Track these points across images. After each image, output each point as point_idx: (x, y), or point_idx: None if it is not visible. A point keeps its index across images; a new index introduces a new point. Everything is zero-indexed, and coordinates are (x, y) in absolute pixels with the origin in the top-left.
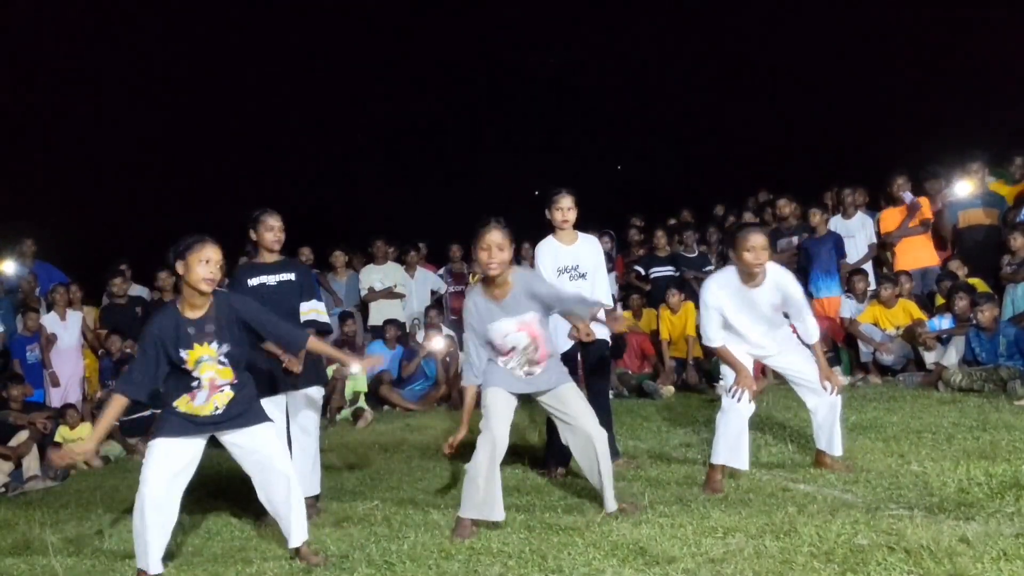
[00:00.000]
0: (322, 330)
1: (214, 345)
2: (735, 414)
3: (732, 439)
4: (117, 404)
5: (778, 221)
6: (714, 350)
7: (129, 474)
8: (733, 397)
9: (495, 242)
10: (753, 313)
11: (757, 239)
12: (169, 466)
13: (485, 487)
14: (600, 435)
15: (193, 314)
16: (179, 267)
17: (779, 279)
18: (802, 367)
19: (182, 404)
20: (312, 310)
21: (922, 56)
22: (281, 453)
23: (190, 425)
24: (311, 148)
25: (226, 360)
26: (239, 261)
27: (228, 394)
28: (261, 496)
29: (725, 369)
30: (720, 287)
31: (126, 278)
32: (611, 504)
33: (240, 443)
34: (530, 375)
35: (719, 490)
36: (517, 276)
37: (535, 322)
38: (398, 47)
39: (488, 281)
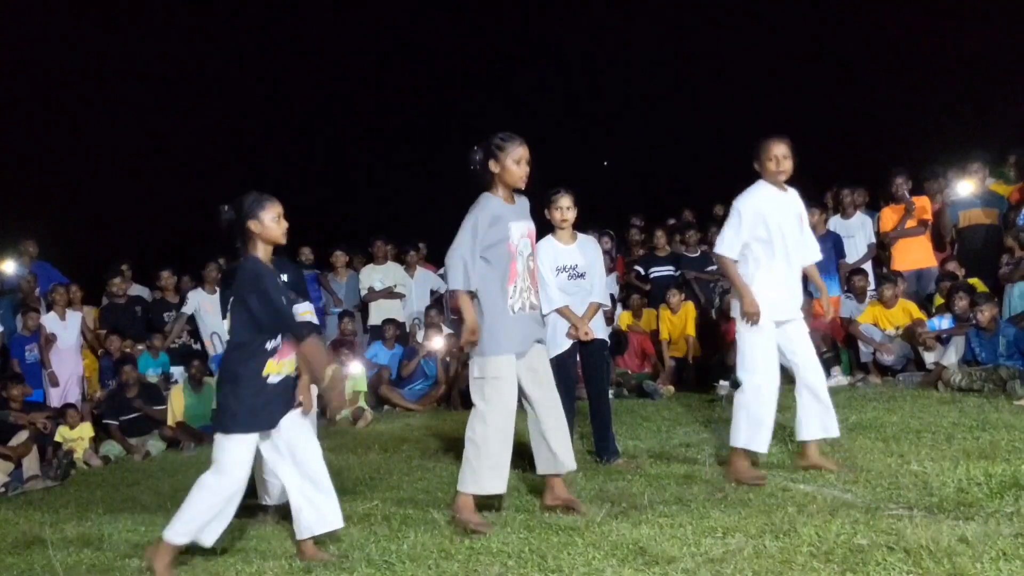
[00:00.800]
0: (315, 332)
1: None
2: (755, 395)
3: (754, 421)
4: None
5: None
6: (724, 261)
7: (129, 474)
8: (747, 323)
9: (527, 156)
10: (789, 224)
11: (780, 147)
12: (250, 460)
13: (500, 453)
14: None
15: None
16: (253, 225)
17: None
18: (801, 342)
19: (271, 367)
20: (306, 312)
21: (922, 56)
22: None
23: (268, 411)
24: (311, 148)
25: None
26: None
27: (292, 361)
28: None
29: (745, 357)
30: (762, 193)
31: (125, 278)
32: (570, 461)
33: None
34: (533, 309)
35: (748, 477)
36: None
37: (533, 230)
38: (398, 46)
39: (506, 191)
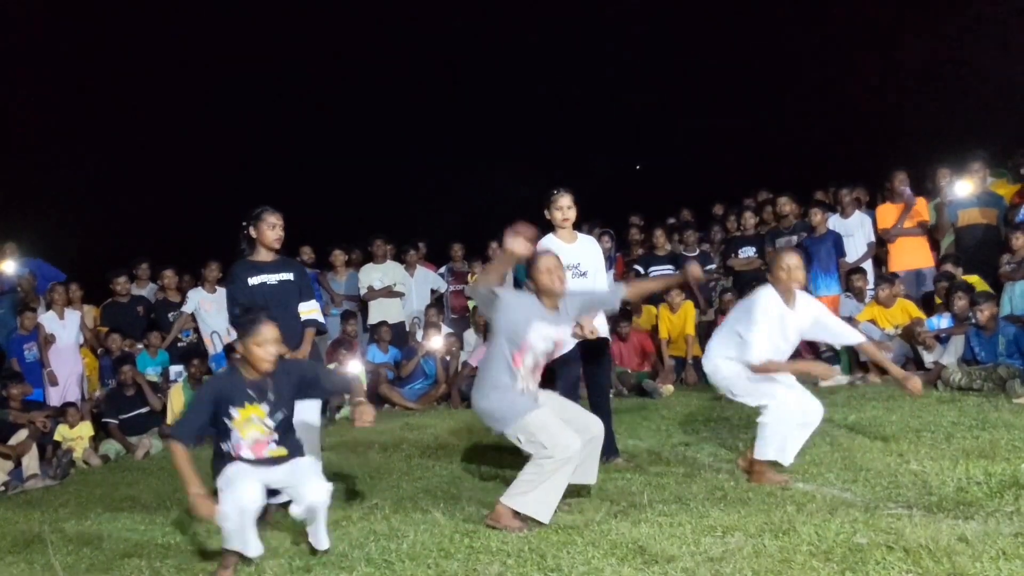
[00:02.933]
0: (320, 330)
1: (264, 407)
2: (783, 414)
3: (780, 440)
4: (180, 453)
5: (778, 220)
6: (760, 367)
7: (128, 473)
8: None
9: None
10: (784, 337)
11: (792, 259)
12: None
13: (555, 491)
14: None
15: (251, 376)
16: (239, 347)
17: (809, 302)
18: None
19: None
20: (312, 310)
21: (921, 56)
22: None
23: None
24: (310, 147)
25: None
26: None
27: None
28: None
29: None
30: (775, 300)
31: (141, 278)
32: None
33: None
34: (533, 397)
35: (776, 481)
36: (575, 296)
37: (568, 341)
38: (398, 44)
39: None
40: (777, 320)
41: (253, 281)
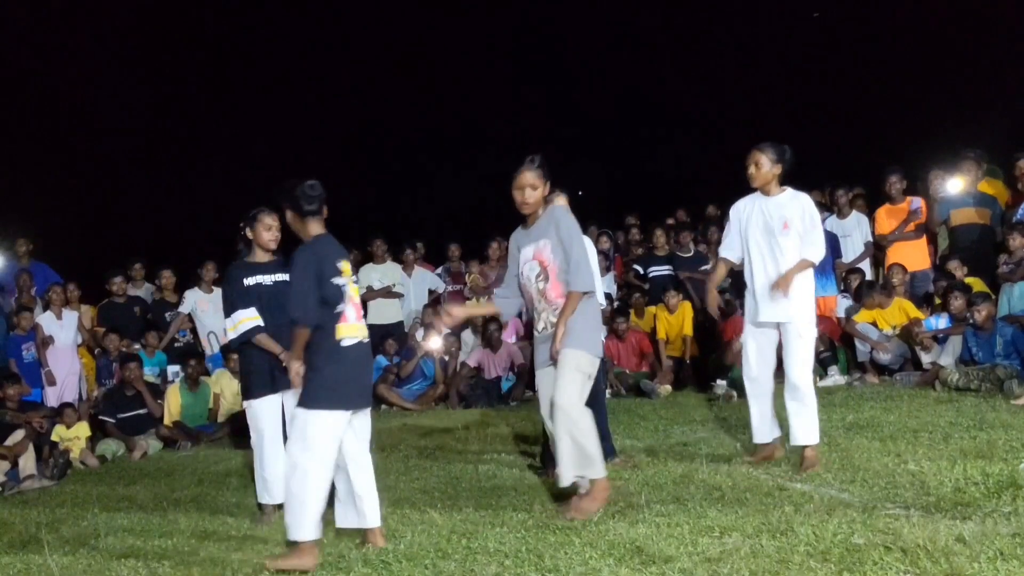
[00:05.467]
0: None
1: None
2: (751, 389)
3: (757, 416)
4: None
5: None
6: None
7: (125, 474)
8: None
9: (527, 182)
10: (764, 227)
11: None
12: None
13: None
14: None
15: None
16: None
17: (796, 194)
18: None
19: (342, 330)
20: None
21: (921, 56)
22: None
23: (358, 382)
24: (309, 147)
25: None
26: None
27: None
28: (349, 475)
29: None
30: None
31: (137, 279)
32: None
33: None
34: (545, 330)
35: (770, 457)
36: (551, 209)
37: (547, 248)
38: (398, 45)
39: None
40: (749, 210)
41: (249, 282)
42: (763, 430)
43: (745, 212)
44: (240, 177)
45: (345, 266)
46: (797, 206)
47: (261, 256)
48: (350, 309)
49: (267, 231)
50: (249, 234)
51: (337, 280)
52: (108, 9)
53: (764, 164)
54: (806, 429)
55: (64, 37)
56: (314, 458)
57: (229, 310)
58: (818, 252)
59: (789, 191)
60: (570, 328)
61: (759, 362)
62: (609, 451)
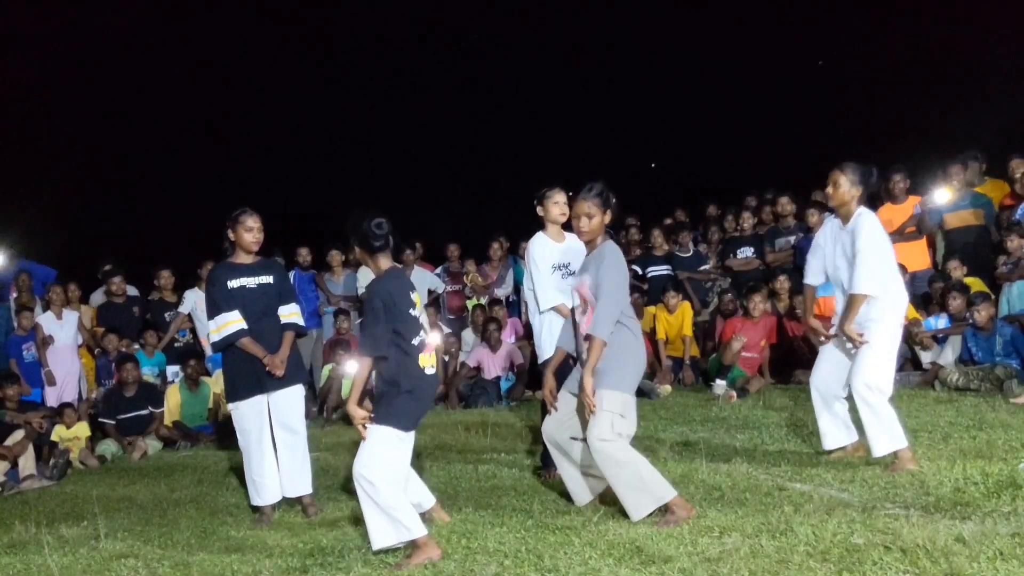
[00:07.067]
0: (300, 332)
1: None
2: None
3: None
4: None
5: (776, 220)
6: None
7: (125, 474)
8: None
9: (583, 211)
10: (840, 254)
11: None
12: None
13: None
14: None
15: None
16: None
17: (861, 220)
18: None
19: (424, 360)
20: (292, 314)
21: (920, 56)
22: None
23: (425, 409)
24: (309, 148)
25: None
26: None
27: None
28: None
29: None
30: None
31: (126, 278)
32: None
33: None
34: (582, 355)
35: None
36: (603, 244)
37: (586, 284)
38: (397, 45)
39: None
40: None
41: (233, 284)
42: (836, 435)
43: (822, 238)
44: (241, 176)
45: (416, 298)
46: (860, 233)
47: (244, 257)
48: (429, 339)
49: (248, 233)
50: (231, 235)
51: (413, 312)
52: (98, 6)
53: (842, 184)
54: (878, 440)
55: (64, 35)
56: (379, 473)
57: (213, 312)
58: (866, 284)
59: (862, 215)
60: (598, 368)
61: (828, 371)
62: None
